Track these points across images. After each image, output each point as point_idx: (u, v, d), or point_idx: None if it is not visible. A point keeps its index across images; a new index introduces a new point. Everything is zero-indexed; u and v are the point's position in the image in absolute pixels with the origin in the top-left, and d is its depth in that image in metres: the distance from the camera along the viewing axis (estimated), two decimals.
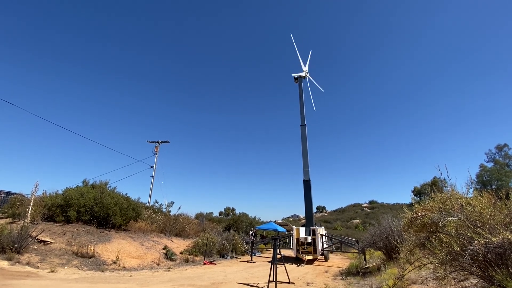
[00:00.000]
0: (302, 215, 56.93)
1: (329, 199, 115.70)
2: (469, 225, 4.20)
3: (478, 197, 4.81)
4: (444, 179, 5.67)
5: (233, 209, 48.19)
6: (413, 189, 42.58)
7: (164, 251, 13.33)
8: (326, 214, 63.33)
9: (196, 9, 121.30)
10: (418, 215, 5.06)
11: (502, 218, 4.12)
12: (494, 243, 3.78)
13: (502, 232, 3.77)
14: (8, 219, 11.42)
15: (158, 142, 29.23)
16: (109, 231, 12.85)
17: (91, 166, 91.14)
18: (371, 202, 64.30)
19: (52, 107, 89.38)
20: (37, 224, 10.84)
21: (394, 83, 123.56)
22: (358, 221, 50.22)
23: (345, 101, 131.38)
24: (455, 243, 4.23)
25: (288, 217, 64.92)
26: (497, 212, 4.22)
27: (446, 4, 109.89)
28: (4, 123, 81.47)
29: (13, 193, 14.41)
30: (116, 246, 11.53)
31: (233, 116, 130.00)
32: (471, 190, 5.35)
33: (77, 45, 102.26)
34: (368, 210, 58.85)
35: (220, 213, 48.32)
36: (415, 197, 38.97)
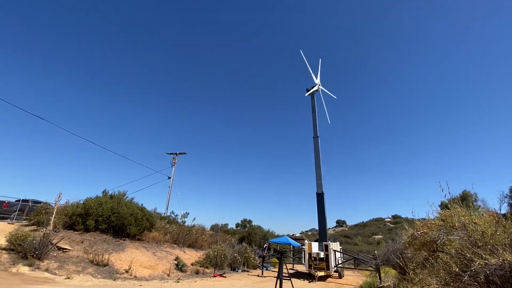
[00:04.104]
0: None
1: (350, 213, 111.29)
2: (469, 245, 4.01)
3: (484, 215, 4.60)
4: (475, 193, 5.45)
5: (250, 221, 47.71)
6: (440, 204, 40.22)
7: (176, 262, 13.55)
8: (346, 229, 60.88)
9: (213, 27, 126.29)
10: (419, 232, 4.89)
11: (505, 237, 3.91)
12: (494, 265, 3.59)
13: (502, 253, 3.58)
14: (33, 226, 12.26)
15: (176, 153, 30.20)
16: (124, 240, 13.34)
17: (113, 177, 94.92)
18: (394, 217, 61.03)
19: (76, 120, 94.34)
20: (58, 231, 11.52)
21: (419, 92, 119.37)
22: (380, 236, 47.70)
23: (365, 112, 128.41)
24: (454, 263, 4.04)
25: (307, 231, 63.25)
26: (500, 231, 4.01)
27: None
28: (35, 137, 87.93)
29: (40, 202, 15.44)
30: (129, 256, 11.93)
31: (252, 128, 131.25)
32: (504, 205, 5.11)
33: (99, 58, 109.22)
34: (391, 225, 55.80)
35: (237, 225, 47.99)
36: (441, 212, 36.68)
